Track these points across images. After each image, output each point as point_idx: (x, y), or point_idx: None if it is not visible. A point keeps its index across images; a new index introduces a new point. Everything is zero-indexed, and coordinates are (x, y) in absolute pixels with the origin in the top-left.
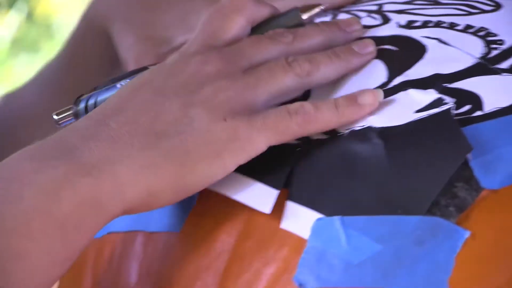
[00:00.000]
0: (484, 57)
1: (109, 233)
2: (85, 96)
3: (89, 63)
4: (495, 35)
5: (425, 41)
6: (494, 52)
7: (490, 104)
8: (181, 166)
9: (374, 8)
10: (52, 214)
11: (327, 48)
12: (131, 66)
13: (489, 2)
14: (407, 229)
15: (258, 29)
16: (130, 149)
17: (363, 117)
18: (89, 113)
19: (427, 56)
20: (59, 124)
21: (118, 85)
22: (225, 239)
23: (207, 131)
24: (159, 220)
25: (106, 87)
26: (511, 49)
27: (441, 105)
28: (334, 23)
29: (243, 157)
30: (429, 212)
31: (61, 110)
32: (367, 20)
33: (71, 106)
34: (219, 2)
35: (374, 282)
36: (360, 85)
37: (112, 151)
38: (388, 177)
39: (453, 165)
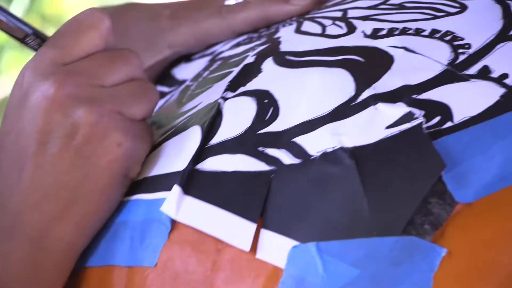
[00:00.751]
0: (451, 64)
1: (84, 267)
2: None
3: None
4: (461, 38)
5: (391, 51)
6: (462, 57)
7: (459, 114)
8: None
9: (339, 14)
10: None
11: None
12: None
13: (454, 4)
14: (383, 251)
15: None
16: None
17: None
18: None
19: (394, 67)
20: None
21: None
22: (199, 271)
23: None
24: (133, 254)
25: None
26: (478, 53)
27: (411, 120)
28: None
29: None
30: (405, 231)
31: None
32: (332, 29)
33: None
34: (76, 16)
35: None
36: (326, 96)
37: None
38: (362, 198)
39: (427, 184)
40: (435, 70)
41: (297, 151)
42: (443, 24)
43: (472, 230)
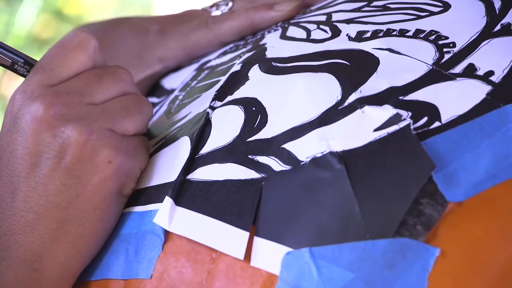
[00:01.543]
0: (437, 63)
1: (80, 282)
2: None
3: None
4: (446, 37)
5: (376, 53)
6: (447, 56)
7: (447, 113)
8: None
9: (323, 18)
10: None
11: None
12: None
13: (437, 3)
14: (376, 253)
15: None
16: None
17: None
18: None
19: (380, 69)
20: None
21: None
22: (195, 281)
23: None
24: (128, 267)
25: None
26: (463, 51)
27: (399, 122)
28: None
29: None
30: (398, 233)
31: None
32: (317, 33)
33: None
34: (63, 37)
35: None
36: (313, 102)
37: None
38: (353, 202)
39: (417, 185)
40: (420, 70)
41: (287, 157)
42: (427, 24)
43: (464, 229)
